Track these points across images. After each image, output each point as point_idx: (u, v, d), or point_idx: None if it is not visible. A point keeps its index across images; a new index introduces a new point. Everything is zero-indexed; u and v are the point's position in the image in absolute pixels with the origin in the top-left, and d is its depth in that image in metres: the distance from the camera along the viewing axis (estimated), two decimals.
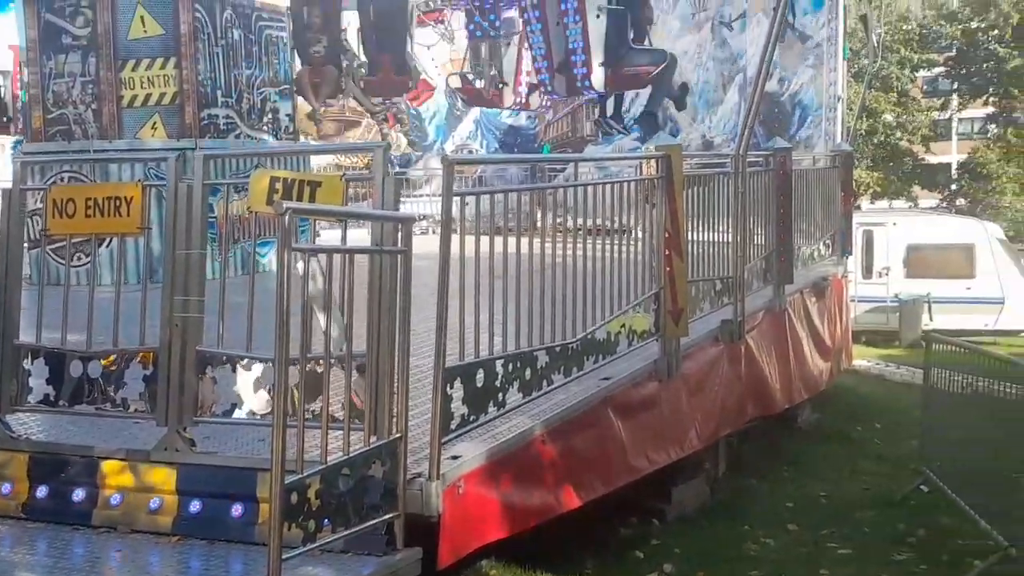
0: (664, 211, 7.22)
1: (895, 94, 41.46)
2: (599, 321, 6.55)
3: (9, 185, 5.74)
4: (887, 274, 23.92)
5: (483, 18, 18.22)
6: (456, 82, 21.36)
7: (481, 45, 20.13)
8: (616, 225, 6.92)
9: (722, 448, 9.58)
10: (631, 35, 14.35)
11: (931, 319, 22.37)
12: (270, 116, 13.45)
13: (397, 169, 22.92)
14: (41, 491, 5.32)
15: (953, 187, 44.43)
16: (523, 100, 20.63)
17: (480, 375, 5.24)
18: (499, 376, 5.40)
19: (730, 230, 8.95)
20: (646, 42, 16.35)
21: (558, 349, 6.00)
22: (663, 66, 13.92)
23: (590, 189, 6.88)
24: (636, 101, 18.95)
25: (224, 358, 5.18)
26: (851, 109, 21.71)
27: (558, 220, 6.62)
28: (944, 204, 43.62)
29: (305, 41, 16.38)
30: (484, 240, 5.39)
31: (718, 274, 8.77)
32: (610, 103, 17.17)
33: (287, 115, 13.89)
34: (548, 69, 14.97)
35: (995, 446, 8.52)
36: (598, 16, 14.02)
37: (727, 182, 8.99)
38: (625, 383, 6.89)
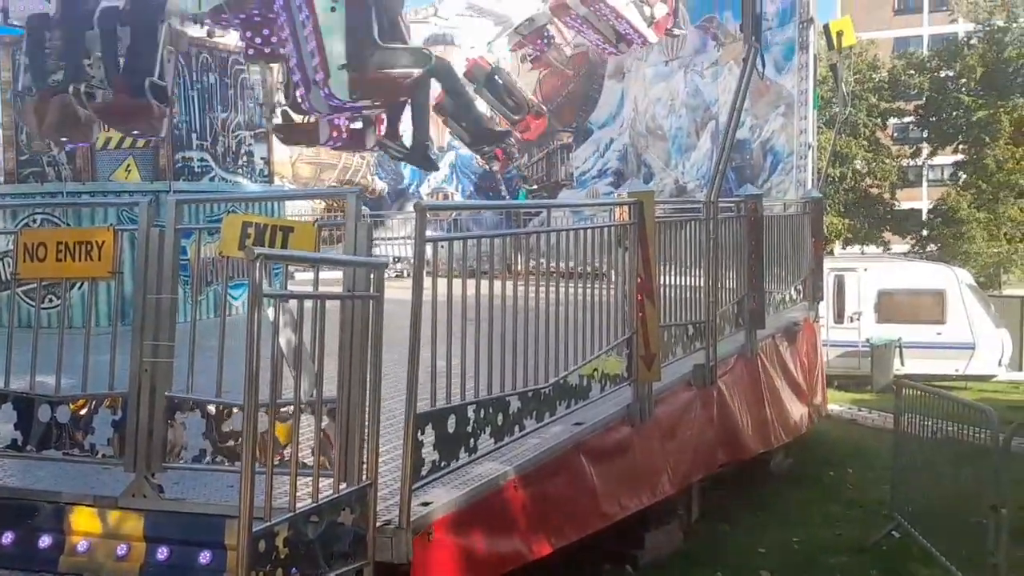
0: (636, 256, 7.26)
1: (865, 141, 41.99)
2: (572, 366, 6.56)
3: None
4: (859, 319, 24.13)
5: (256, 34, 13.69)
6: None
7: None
8: (589, 269, 6.96)
9: (695, 493, 9.58)
10: (375, 31, 11.16)
11: (903, 364, 22.55)
12: (245, 159, 13.48)
13: (370, 213, 23.00)
14: (7, 537, 5.26)
15: (924, 233, 44.90)
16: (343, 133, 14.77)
17: (451, 420, 5.24)
18: (471, 421, 5.39)
19: (702, 275, 9.01)
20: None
21: (530, 394, 6.00)
22: (424, 71, 11.29)
23: (563, 234, 6.93)
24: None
25: (193, 403, 5.15)
26: (822, 155, 21.95)
27: (532, 264, 6.65)
28: (916, 250, 44.05)
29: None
30: (457, 283, 5.40)
31: (690, 319, 8.81)
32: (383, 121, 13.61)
33: (262, 158, 13.93)
34: (304, 81, 11.32)
35: (962, 490, 8.59)
36: (332, 9, 10.89)
37: (699, 228, 9.06)
38: (598, 428, 6.89)
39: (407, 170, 28.51)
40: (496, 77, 16.71)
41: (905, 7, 71.33)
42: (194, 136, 12.43)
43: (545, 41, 17.04)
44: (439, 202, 22.17)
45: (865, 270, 25.03)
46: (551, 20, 16.57)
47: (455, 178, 28.79)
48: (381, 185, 27.99)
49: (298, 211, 17.23)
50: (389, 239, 22.29)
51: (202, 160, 12.57)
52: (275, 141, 15.89)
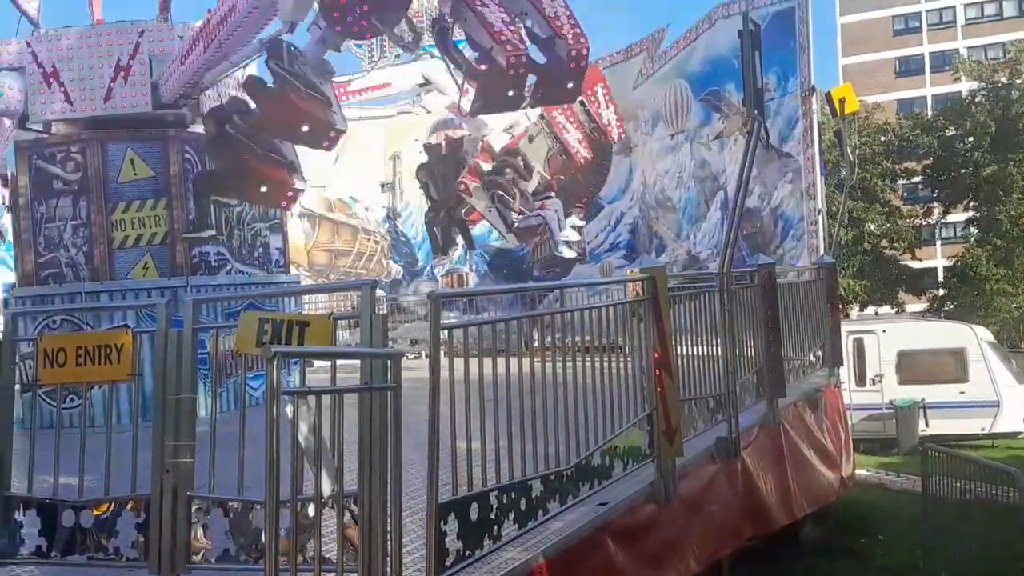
0: (652, 331, 7.28)
1: (879, 204, 42.08)
2: (592, 445, 6.53)
3: None
4: (880, 381, 23.95)
5: None
6: None
7: None
8: (605, 343, 6.97)
9: (724, 569, 9.44)
10: None
11: (927, 425, 22.34)
12: (261, 250, 13.61)
13: (387, 296, 23.12)
14: None
15: (940, 291, 44.76)
16: None
17: (474, 508, 5.21)
18: (493, 508, 5.36)
19: (719, 346, 9.00)
20: None
21: (552, 477, 5.97)
22: None
23: (578, 313, 6.95)
24: None
25: (216, 502, 5.15)
26: (832, 219, 22.03)
27: (547, 339, 6.66)
28: (934, 309, 43.89)
29: None
30: (474, 362, 5.41)
31: (710, 391, 8.78)
32: None
33: (277, 248, 14.05)
34: None
35: (993, 552, 8.47)
36: None
37: (714, 299, 9.07)
38: (622, 508, 6.83)
39: (421, 252, 28.75)
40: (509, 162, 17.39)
41: (907, 69, 72.03)
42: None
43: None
44: (453, 290, 22.25)
45: (884, 331, 24.90)
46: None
47: (468, 258, 28.95)
48: (396, 268, 28.21)
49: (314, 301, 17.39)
50: (405, 321, 22.38)
51: (218, 254, 12.70)
52: (290, 230, 16.12)
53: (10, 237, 21.39)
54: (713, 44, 19.18)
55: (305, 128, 9.94)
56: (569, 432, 6.24)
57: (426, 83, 16.81)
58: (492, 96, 9.95)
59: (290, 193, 10.86)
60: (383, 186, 28.13)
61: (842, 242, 34.07)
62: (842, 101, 16.57)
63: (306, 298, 16.89)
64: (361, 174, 26.83)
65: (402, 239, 28.55)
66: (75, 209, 12.15)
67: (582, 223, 20.46)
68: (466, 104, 11.22)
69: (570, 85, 10.19)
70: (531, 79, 9.97)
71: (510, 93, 9.71)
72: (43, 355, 5.45)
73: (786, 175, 17.87)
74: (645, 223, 21.89)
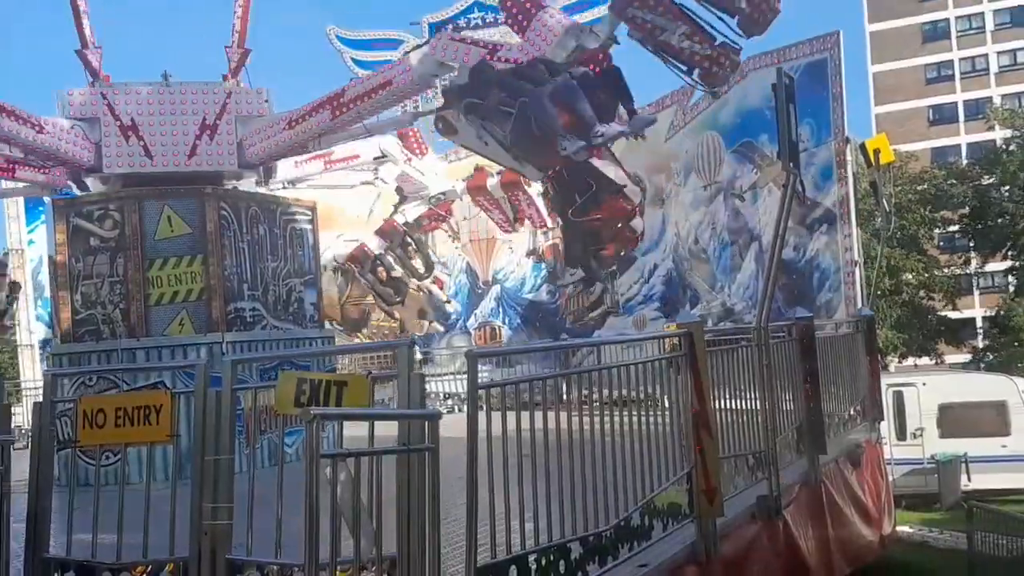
0: (690, 388, 7.19)
1: (916, 254, 41.73)
2: (631, 503, 6.43)
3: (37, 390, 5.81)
4: (921, 435, 23.59)
5: None
6: None
7: None
8: (642, 397, 6.89)
9: None
10: None
11: (969, 480, 21.96)
12: (296, 306, 13.64)
13: (421, 350, 23.12)
14: None
15: (979, 342, 44.20)
16: None
17: (513, 572, 5.13)
18: (532, 572, 5.27)
19: (758, 402, 8.88)
20: None
21: (591, 538, 5.88)
22: None
23: (615, 369, 6.87)
24: None
25: (255, 565, 5.10)
26: (869, 270, 21.87)
27: (584, 393, 6.60)
28: (974, 360, 43.32)
29: None
30: (510, 417, 5.36)
31: (750, 448, 8.65)
32: None
33: (312, 304, 14.09)
34: None
35: None
36: None
37: (752, 353, 8.97)
38: (663, 570, 6.70)
39: (453, 306, 28.78)
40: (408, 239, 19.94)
41: (940, 117, 71.81)
42: (245, 287, 12.63)
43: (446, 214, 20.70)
44: (490, 348, 22.27)
45: (924, 384, 24.57)
46: (459, 197, 19.97)
47: (501, 310, 28.95)
48: (428, 323, 28.22)
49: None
50: (438, 375, 22.33)
51: (253, 310, 12.75)
52: (324, 285, 16.21)
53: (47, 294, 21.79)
54: (745, 96, 19.21)
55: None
56: (607, 490, 6.15)
57: (382, 155, 17.39)
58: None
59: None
60: (452, 236, 28.26)
61: (879, 293, 33.78)
62: (877, 152, 16.51)
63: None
64: None
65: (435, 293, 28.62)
66: (112, 266, 12.25)
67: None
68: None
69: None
70: None
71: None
72: (83, 416, 5.46)
73: (821, 226, 17.78)
74: (679, 275, 21.81)
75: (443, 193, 19.69)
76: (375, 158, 17.04)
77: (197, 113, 12.38)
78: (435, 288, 21.89)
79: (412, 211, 19.86)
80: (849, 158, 17.56)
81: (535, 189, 17.51)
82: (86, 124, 12.39)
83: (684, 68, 10.86)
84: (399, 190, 20.09)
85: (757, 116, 18.40)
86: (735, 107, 19.66)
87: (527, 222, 21.27)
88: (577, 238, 14.13)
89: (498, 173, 18.58)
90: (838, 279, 17.69)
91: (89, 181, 12.90)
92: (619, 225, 13.52)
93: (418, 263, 21.15)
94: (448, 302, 22.10)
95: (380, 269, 19.51)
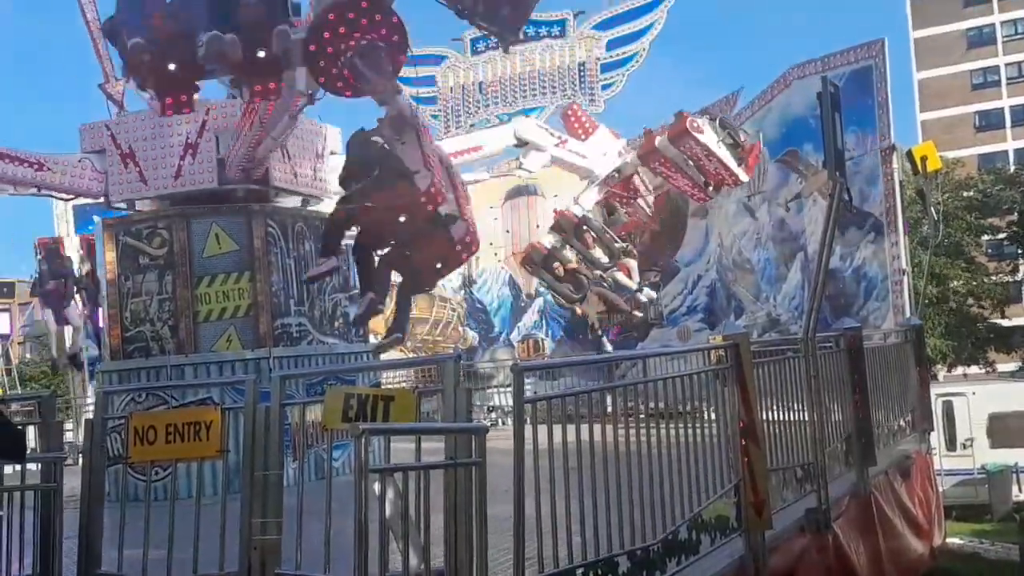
0: (737, 400, 7.15)
1: (963, 261, 41.21)
2: (678, 516, 6.39)
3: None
4: (971, 445, 23.26)
5: None
6: None
7: None
8: (688, 409, 6.86)
9: None
10: None
11: (1020, 490, 21.60)
12: (341, 321, 13.72)
13: (464, 362, 23.15)
14: None
15: None
16: None
17: None
18: None
19: (806, 413, 8.80)
20: None
21: (639, 552, 5.85)
22: None
23: (660, 382, 6.84)
24: None
25: None
26: (917, 278, 21.59)
27: (630, 405, 6.58)
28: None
29: None
30: (555, 429, 5.36)
31: (798, 460, 8.57)
32: None
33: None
34: None
35: None
36: None
37: (799, 364, 8.89)
38: None
39: (497, 319, 28.83)
40: (585, 227, 16.69)
41: (987, 123, 70.93)
42: (292, 302, 12.72)
43: (630, 193, 17.17)
44: (536, 362, 22.20)
45: (974, 394, 24.24)
46: (636, 170, 16.59)
47: (544, 323, 28.96)
48: (472, 335, 28.29)
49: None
50: (483, 388, 22.37)
51: (300, 325, 12.83)
52: None
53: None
54: (788, 105, 19.09)
55: (402, 219, 10.94)
56: (654, 503, 6.13)
57: (523, 143, 16.48)
58: None
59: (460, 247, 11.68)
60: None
61: (927, 301, 33.37)
62: (924, 159, 16.32)
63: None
64: None
65: (478, 306, 28.67)
66: (161, 284, 12.37)
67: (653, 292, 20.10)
68: None
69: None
70: None
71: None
72: (134, 433, 5.52)
73: (868, 235, 17.60)
74: (723, 285, 21.68)
75: (617, 171, 16.67)
76: (511, 147, 16.40)
77: (182, 134, 12.52)
78: (621, 276, 18.26)
79: (586, 198, 17.42)
80: (896, 166, 17.37)
81: (709, 136, 14.92)
82: (96, 156, 12.73)
83: None
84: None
85: (801, 125, 18.27)
86: (779, 116, 19.54)
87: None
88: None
89: (663, 128, 15.58)
90: (885, 288, 17.49)
91: (140, 204, 13.12)
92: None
93: (599, 252, 18.17)
94: (639, 290, 18.65)
95: (556, 265, 17.40)
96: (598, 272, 17.00)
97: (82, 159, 12.65)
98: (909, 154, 16.96)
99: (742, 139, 15.37)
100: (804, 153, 18.77)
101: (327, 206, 13.70)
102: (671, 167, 15.55)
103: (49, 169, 12.44)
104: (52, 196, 13.27)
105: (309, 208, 13.64)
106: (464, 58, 26.20)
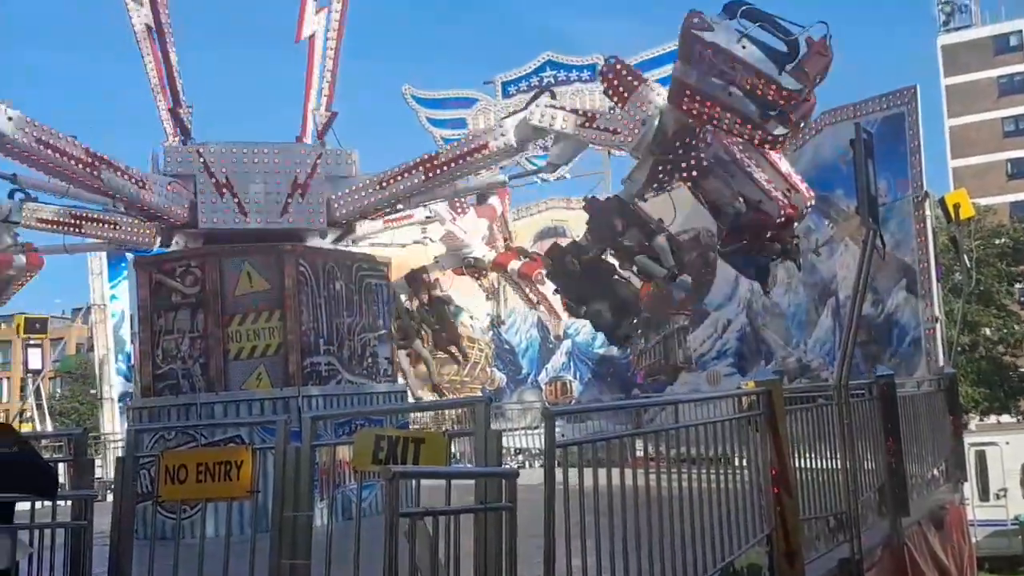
0: (769, 448, 7.08)
1: (995, 308, 40.84)
2: (710, 566, 6.32)
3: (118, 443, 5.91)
4: (1004, 496, 22.92)
5: None
6: None
7: None
8: (717, 455, 6.80)
9: None
10: None
11: None
12: (370, 360, 13.72)
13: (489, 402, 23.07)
14: None
15: None
16: None
17: None
18: None
19: (839, 462, 8.71)
20: None
21: None
22: None
23: (692, 430, 6.79)
24: None
25: None
26: (949, 326, 21.41)
27: (658, 449, 6.52)
28: None
29: None
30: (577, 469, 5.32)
31: (831, 509, 8.47)
32: None
33: (386, 358, 14.16)
34: None
35: None
36: None
37: (831, 412, 8.82)
38: None
39: (525, 360, 28.79)
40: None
41: (1019, 171, 70.48)
42: (321, 341, 12.75)
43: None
44: (567, 407, 22.14)
45: (1007, 443, 23.93)
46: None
47: (572, 365, 28.88)
48: (500, 376, 28.25)
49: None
50: (510, 430, 22.26)
51: (329, 364, 12.85)
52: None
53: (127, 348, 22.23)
54: (820, 150, 19.06)
55: None
56: (686, 550, 6.06)
57: (430, 216, 17.23)
58: None
59: None
60: (487, 295, 28.38)
61: (959, 349, 33.05)
62: (956, 207, 16.25)
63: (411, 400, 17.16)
64: (467, 283, 27.13)
65: (506, 347, 28.66)
66: (193, 321, 12.43)
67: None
68: None
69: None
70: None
71: None
72: (164, 471, 5.53)
73: (900, 281, 17.48)
74: (753, 330, 21.55)
75: (475, 259, 18.82)
76: (426, 217, 17.00)
77: (290, 173, 12.61)
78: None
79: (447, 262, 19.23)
80: (928, 213, 17.28)
81: (549, 288, 16.52)
82: (185, 180, 12.65)
83: None
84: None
85: (832, 170, 18.22)
86: (810, 161, 19.49)
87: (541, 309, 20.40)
88: None
89: (525, 258, 18.33)
90: (918, 335, 17.34)
91: (177, 237, 13.16)
92: None
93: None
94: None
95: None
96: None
97: (171, 182, 12.45)
98: (942, 201, 16.89)
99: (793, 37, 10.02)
100: (835, 198, 18.71)
101: (349, 247, 13.81)
102: (707, 101, 10.76)
103: (149, 189, 12.05)
104: (139, 217, 12.91)
105: (340, 248, 13.72)
106: (495, 101, 26.39)
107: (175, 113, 13.05)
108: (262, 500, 5.86)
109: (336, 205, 12.67)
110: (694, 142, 10.83)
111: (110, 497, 9.40)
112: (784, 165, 11.52)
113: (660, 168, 11.17)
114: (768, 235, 10.95)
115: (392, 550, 4.10)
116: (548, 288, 15.61)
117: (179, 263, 12.65)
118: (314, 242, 13.25)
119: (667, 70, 22.38)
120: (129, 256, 14.67)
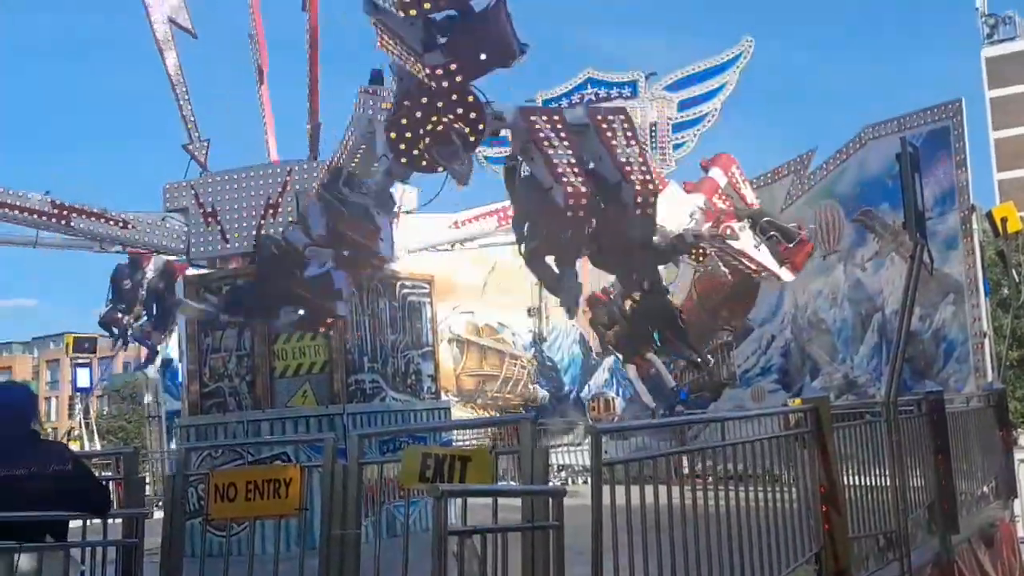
0: (817, 465, 7.02)
1: None
2: None
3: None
4: None
5: None
6: None
7: None
8: (762, 472, 6.75)
9: None
10: None
11: None
12: (413, 378, 13.76)
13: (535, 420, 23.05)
14: None
15: None
16: None
17: None
18: None
19: (887, 478, 8.62)
20: None
21: None
22: None
23: (739, 447, 6.75)
24: None
25: None
26: (998, 340, 21.09)
27: (707, 465, 6.50)
28: None
29: None
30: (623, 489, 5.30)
31: (880, 527, 8.37)
32: None
33: (429, 375, 14.19)
34: None
35: None
36: None
37: (880, 429, 8.73)
38: None
39: (567, 377, 28.75)
40: None
41: None
42: (365, 359, 12.81)
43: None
44: (614, 424, 22.07)
45: None
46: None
47: (615, 382, 28.82)
48: (543, 393, 28.25)
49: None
50: (553, 447, 22.23)
51: (373, 382, 12.90)
52: (441, 358, 16.27)
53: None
54: (865, 164, 18.94)
55: (346, 253, 10.11)
56: (733, 568, 6.02)
57: None
58: (551, 238, 9.76)
59: (329, 320, 10.90)
60: (529, 311, 28.43)
61: (1008, 364, 32.57)
62: (1004, 220, 16.06)
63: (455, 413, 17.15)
64: (508, 300, 27.20)
65: (548, 363, 28.65)
66: (239, 340, 12.54)
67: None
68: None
69: (634, 233, 9.87)
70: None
71: (568, 234, 9.52)
72: (214, 490, 5.58)
73: (947, 296, 17.28)
74: (798, 346, 21.37)
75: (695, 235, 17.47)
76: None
77: (263, 194, 12.74)
78: None
79: None
80: (975, 226, 17.09)
81: (746, 241, 14.67)
82: (179, 215, 13.01)
83: None
84: None
85: (877, 184, 18.10)
86: (854, 176, 19.37)
87: None
88: None
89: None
90: (966, 350, 17.13)
91: (220, 263, 13.38)
92: None
93: None
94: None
95: None
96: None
97: (165, 218, 12.99)
98: (989, 215, 16.69)
99: (796, 233, 13.79)
100: (880, 212, 18.56)
101: (401, 264, 13.85)
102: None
103: (133, 227, 12.89)
104: (136, 253, 13.64)
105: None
106: None
107: (188, 149, 13.46)
108: (308, 517, 5.90)
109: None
110: None
111: (156, 514, 9.50)
112: None
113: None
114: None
115: (441, 569, 4.11)
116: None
117: (226, 282, 12.78)
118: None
119: (708, 85, 22.51)
120: (180, 278, 14.88)
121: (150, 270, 19.26)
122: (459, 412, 24.64)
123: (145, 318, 19.32)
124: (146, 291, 19.13)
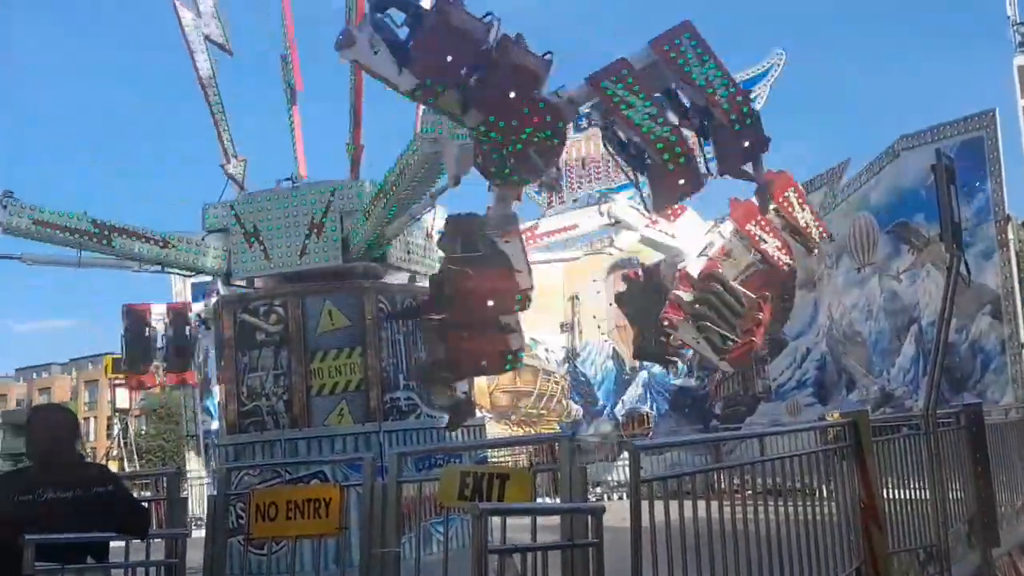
0: (857, 480, 6.99)
1: None
2: None
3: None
4: None
5: None
6: None
7: None
8: (800, 486, 6.73)
9: None
10: None
11: None
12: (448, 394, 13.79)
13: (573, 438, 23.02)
14: None
15: None
16: None
17: None
18: None
19: (927, 492, 8.55)
20: None
21: None
22: None
23: (777, 462, 6.74)
24: None
25: None
26: None
27: (745, 480, 6.48)
28: None
29: None
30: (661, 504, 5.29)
31: (920, 541, 8.30)
32: None
33: (464, 392, 14.21)
34: None
35: None
36: None
37: (919, 441, 8.67)
38: None
39: (601, 392, 28.69)
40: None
41: None
42: (401, 377, 12.86)
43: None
44: (651, 441, 21.97)
45: None
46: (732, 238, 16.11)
47: (649, 397, 28.73)
48: (576, 408, 28.21)
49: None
50: (587, 463, 22.18)
51: (408, 399, 12.95)
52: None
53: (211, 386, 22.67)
54: (899, 175, 18.82)
55: (491, 303, 9.49)
56: None
57: (616, 222, 16.47)
58: (668, 189, 9.59)
59: (511, 356, 10.17)
60: (563, 327, 28.43)
61: None
62: None
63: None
64: (542, 315, 27.20)
65: (582, 379, 28.63)
66: (276, 359, 12.63)
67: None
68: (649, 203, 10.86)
69: (746, 144, 9.64)
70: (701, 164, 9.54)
71: (681, 182, 9.36)
72: (255, 509, 5.64)
73: (984, 307, 17.13)
74: (834, 359, 21.24)
75: (710, 243, 16.80)
76: (604, 226, 16.42)
77: (307, 213, 12.84)
78: None
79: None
80: (1011, 237, 16.94)
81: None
82: (220, 235, 13.13)
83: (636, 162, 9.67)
84: None
85: (912, 196, 17.99)
86: (888, 187, 19.26)
87: None
88: None
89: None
90: (1003, 362, 16.97)
91: (258, 282, 13.50)
92: None
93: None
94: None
95: None
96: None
97: (204, 237, 13.14)
98: None
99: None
100: (915, 224, 18.44)
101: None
102: (768, 226, 13.90)
103: (173, 247, 13.02)
104: (176, 273, 13.79)
105: (417, 284, 13.85)
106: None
107: (224, 168, 13.63)
108: (346, 536, 5.94)
109: (351, 238, 12.68)
110: None
111: (195, 532, 9.59)
112: None
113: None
114: None
115: None
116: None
117: (262, 302, 12.90)
118: (395, 278, 13.44)
119: None
120: (215, 297, 15.08)
121: (157, 322, 19.71)
122: (494, 428, 24.67)
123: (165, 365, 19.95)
124: (165, 343, 19.66)
